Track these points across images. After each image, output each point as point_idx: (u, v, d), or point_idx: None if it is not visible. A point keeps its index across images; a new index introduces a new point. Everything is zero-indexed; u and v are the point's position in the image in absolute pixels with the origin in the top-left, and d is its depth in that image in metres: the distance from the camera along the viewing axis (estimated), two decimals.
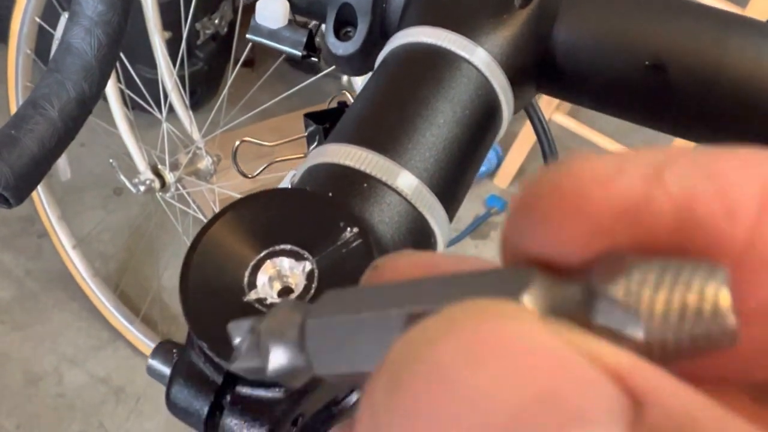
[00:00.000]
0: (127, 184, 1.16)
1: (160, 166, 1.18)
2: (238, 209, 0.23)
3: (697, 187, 0.10)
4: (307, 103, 1.72)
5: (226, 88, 1.20)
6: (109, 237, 1.53)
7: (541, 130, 0.39)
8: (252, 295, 0.22)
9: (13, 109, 1.26)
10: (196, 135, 1.22)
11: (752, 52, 0.30)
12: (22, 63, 1.24)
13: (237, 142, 0.38)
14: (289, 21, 0.36)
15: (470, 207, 1.69)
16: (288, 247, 0.22)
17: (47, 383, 1.32)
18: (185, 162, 1.20)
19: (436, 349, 0.09)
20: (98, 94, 0.51)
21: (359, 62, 0.35)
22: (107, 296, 1.38)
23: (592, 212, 0.11)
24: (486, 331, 0.09)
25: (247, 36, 0.36)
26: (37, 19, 1.18)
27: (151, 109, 1.23)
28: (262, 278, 0.22)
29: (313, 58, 0.37)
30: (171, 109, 1.23)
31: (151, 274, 1.47)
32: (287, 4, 0.36)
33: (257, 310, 0.22)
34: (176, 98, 1.23)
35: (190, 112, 1.23)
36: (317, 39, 0.38)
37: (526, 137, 1.63)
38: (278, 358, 0.13)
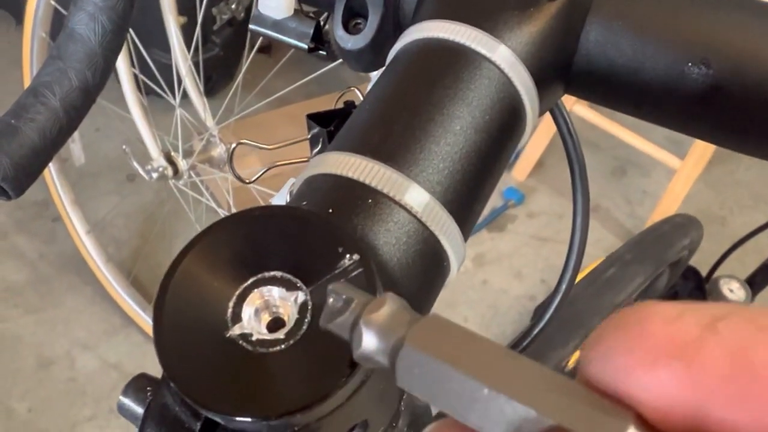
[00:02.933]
0: (140, 170, 1.15)
1: (173, 153, 1.17)
2: (222, 230, 0.21)
3: (748, 338, 0.12)
4: (324, 91, 1.70)
5: (241, 74, 1.18)
6: (123, 222, 1.52)
7: (567, 131, 0.36)
8: (236, 330, 0.19)
9: None
10: (210, 122, 1.20)
11: None
12: (37, 46, 1.23)
13: (233, 145, 0.36)
14: (295, 11, 0.33)
15: None
16: (279, 274, 0.20)
17: (59, 367, 1.32)
18: (199, 149, 1.19)
19: None
20: (102, 82, 0.49)
21: (370, 57, 0.32)
22: (120, 282, 1.38)
23: (652, 344, 0.12)
24: None
25: (250, 27, 0.34)
26: (53, 2, 1.17)
27: (165, 95, 1.21)
28: (248, 310, 0.19)
29: (321, 52, 0.34)
30: (185, 95, 1.21)
31: (165, 260, 1.46)
32: None
33: (241, 347, 0.19)
34: (190, 84, 1.22)
35: (204, 99, 1.22)
36: (326, 29, 0.35)
37: (545, 129, 1.60)
38: (369, 348, 0.15)
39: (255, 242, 0.20)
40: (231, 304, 0.20)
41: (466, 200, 0.25)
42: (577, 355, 0.64)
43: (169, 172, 1.16)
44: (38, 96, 0.47)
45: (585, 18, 0.29)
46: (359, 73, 1.66)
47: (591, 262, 0.93)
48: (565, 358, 0.58)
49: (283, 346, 0.19)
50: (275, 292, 0.20)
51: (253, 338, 0.19)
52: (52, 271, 1.44)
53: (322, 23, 0.33)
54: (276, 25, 0.33)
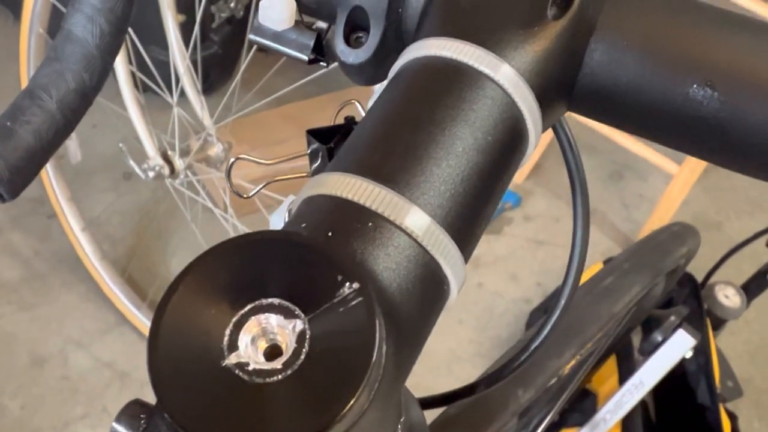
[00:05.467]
0: (136, 169, 1.15)
1: (169, 152, 1.16)
2: (219, 255, 0.20)
3: None
4: (323, 90, 1.70)
5: (240, 72, 1.18)
6: (119, 220, 1.52)
7: (568, 146, 0.36)
8: (232, 359, 0.19)
9: None
10: (207, 121, 1.20)
11: None
12: (35, 42, 1.22)
13: (232, 160, 0.35)
14: (296, 22, 0.32)
15: None
16: (277, 301, 0.19)
17: (52, 365, 1.32)
18: (196, 148, 1.18)
19: None
20: (100, 84, 0.48)
21: (371, 71, 0.31)
22: (115, 280, 1.37)
23: None
24: None
25: (249, 37, 0.33)
26: None
27: (162, 93, 1.21)
28: (245, 338, 0.19)
29: (322, 63, 0.33)
30: (183, 93, 1.21)
31: (160, 259, 1.46)
32: (294, 5, 0.32)
33: (237, 377, 0.18)
34: (188, 82, 1.21)
35: (202, 97, 1.21)
36: (327, 40, 0.35)
37: (544, 133, 1.59)
38: None
39: (253, 268, 0.20)
40: (227, 331, 0.19)
41: (467, 223, 0.25)
42: (573, 363, 0.64)
43: (166, 171, 1.16)
44: (34, 98, 0.46)
45: (590, 37, 0.28)
46: None
47: (588, 266, 0.93)
48: (562, 367, 0.58)
49: (280, 377, 0.18)
50: (273, 320, 0.19)
51: (250, 368, 0.19)
52: (46, 268, 1.43)
53: (323, 34, 0.33)
54: (276, 36, 0.32)
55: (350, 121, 0.33)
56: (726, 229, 1.67)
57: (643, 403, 1.00)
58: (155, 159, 1.15)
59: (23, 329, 1.36)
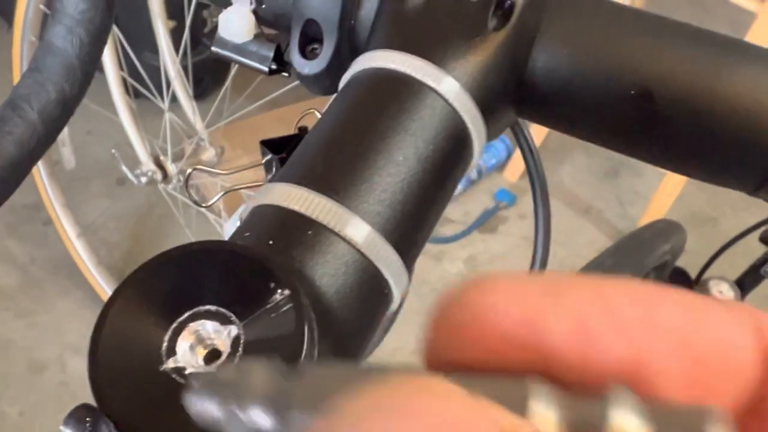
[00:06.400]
0: (129, 175, 1.15)
1: (162, 157, 1.17)
2: (159, 265, 0.21)
3: (588, 312, 0.12)
4: (313, 94, 1.70)
5: (230, 77, 1.18)
6: (114, 226, 1.52)
7: (527, 149, 0.36)
8: (170, 364, 0.19)
9: None
10: (199, 125, 1.20)
11: (751, 82, 0.27)
12: (27, 50, 1.23)
13: (189, 170, 0.36)
14: (256, 34, 0.33)
15: (479, 200, 1.67)
16: (213, 308, 0.20)
17: (51, 371, 1.32)
18: (188, 153, 1.19)
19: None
20: (81, 94, 0.49)
21: (327, 82, 0.32)
22: (111, 285, 1.37)
23: (486, 341, 0.13)
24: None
25: (212, 49, 0.34)
26: (42, 7, 1.17)
27: (153, 98, 1.21)
28: (183, 344, 0.20)
29: (283, 74, 0.34)
30: (174, 98, 1.21)
31: None
32: (252, 18, 0.33)
33: (174, 381, 0.19)
34: (179, 87, 1.22)
35: (194, 102, 1.22)
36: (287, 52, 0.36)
37: (536, 131, 1.60)
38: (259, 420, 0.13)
39: (191, 277, 0.21)
40: (166, 338, 0.20)
41: (408, 230, 0.26)
42: None
43: (158, 176, 1.16)
44: (16, 109, 0.47)
45: (531, 46, 0.29)
46: None
47: (584, 263, 0.94)
48: None
49: None
50: (209, 326, 0.20)
51: (187, 371, 0.19)
52: (43, 274, 1.44)
53: (282, 46, 0.34)
54: (237, 48, 0.33)
55: (303, 132, 0.34)
56: (721, 225, 1.67)
57: None
58: (148, 164, 1.16)
59: (21, 336, 1.36)
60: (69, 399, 1.30)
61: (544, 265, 0.37)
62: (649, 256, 0.68)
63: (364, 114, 0.27)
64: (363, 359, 0.25)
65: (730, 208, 1.71)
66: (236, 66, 1.23)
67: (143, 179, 1.16)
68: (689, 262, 1.08)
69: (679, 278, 1.16)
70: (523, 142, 0.36)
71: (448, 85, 0.27)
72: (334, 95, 0.29)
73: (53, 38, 0.48)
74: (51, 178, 1.35)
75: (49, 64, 0.48)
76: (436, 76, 0.27)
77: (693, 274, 1.18)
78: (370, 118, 0.26)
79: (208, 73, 1.61)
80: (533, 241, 0.39)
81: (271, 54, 0.33)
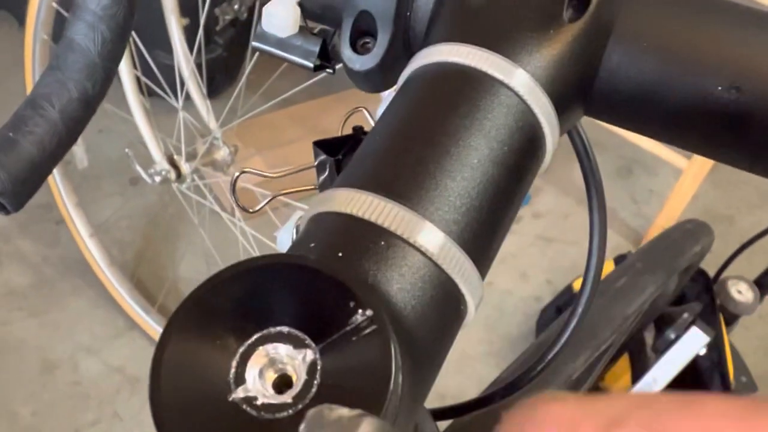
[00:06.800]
0: (143, 174, 1.14)
1: (175, 156, 1.16)
2: (224, 281, 0.19)
3: None
4: (328, 91, 1.69)
5: (245, 75, 1.17)
6: (126, 225, 1.51)
7: (584, 151, 0.35)
8: (239, 393, 0.17)
9: None
10: (213, 124, 1.19)
11: None
12: (39, 49, 1.22)
13: (236, 174, 0.34)
14: (301, 27, 0.31)
15: None
16: (285, 330, 0.18)
17: (63, 371, 1.32)
18: (202, 152, 1.18)
19: None
20: (102, 93, 0.48)
21: (379, 78, 0.30)
22: (124, 285, 1.37)
23: None
24: None
25: (252, 44, 0.32)
26: (54, 5, 1.16)
27: (167, 97, 1.20)
28: (252, 371, 0.18)
29: (328, 70, 0.32)
30: (188, 97, 1.20)
31: (168, 263, 1.46)
32: (298, 11, 0.30)
33: (245, 414, 0.17)
34: (193, 86, 1.20)
35: (208, 101, 1.21)
36: (334, 46, 0.34)
37: None
38: None
39: (259, 295, 0.19)
40: (234, 363, 0.18)
41: (484, 238, 0.24)
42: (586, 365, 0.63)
43: (172, 175, 1.15)
44: (37, 108, 0.46)
45: (607, 39, 0.27)
46: None
47: None
48: (576, 371, 0.57)
49: (290, 411, 0.17)
50: (282, 350, 0.18)
51: (258, 402, 0.18)
52: (55, 274, 1.43)
53: (328, 40, 0.32)
54: (280, 43, 0.31)
55: (359, 132, 0.32)
56: (737, 223, 1.65)
57: None
58: (161, 163, 1.15)
59: (33, 335, 1.36)
60: (81, 399, 1.29)
61: (598, 274, 0.35)
62: (679, 258, 0.67)
63: (432, 113, 0.25)
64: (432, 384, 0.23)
65: (746, 207, 1.69)
66: (251, 64, 1.21)
67: (157, 178, 1.15)
68: (707, 262, 1.06)
69: (699, 279, 1.14)
70: (579, 144, 0.34)
71: (521, 80, 0.25)
72: (388, 91, 0.27)
73: (74, 35, 0.47)
74: (63, 177, 1.34)
75: (70, 62, 0.47)
76: (507, 70, 0.25)
77: (711, 274, 1.17)
78: (439, 117, 0.24)
79: (220, 72, 1.61)
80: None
81: (317, 49, 0.31)
